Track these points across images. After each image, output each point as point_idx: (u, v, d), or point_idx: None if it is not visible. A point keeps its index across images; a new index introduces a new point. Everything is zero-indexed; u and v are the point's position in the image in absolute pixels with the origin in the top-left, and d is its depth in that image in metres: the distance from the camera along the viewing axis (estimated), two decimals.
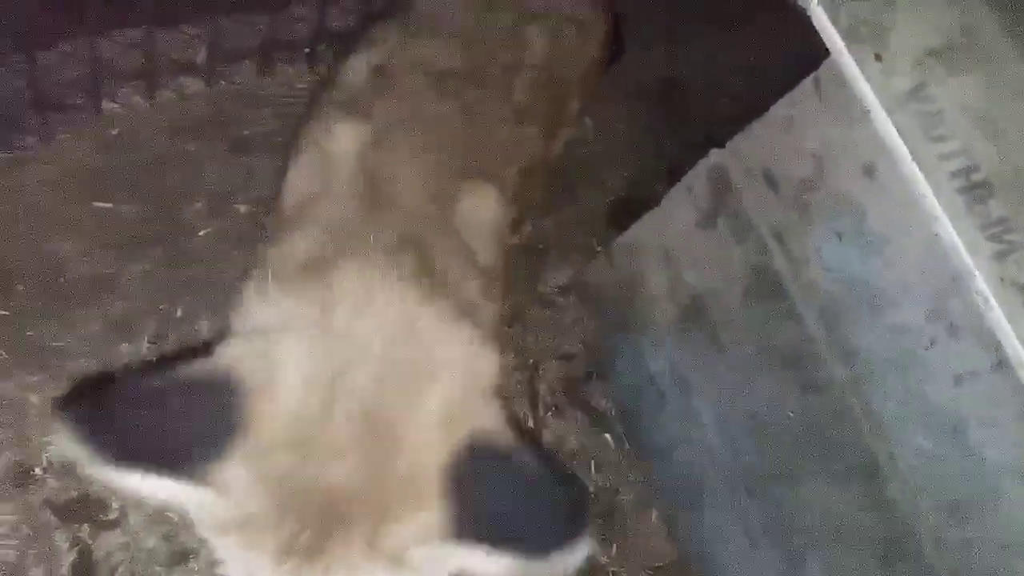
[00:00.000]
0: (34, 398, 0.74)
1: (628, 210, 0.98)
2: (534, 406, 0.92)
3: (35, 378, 0.75)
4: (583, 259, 0.97)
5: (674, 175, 0.80)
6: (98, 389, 0.48)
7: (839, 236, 0.61)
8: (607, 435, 0.94)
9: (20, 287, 0.78)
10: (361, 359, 0.52)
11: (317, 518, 0.49)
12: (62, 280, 0.79)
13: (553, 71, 0.75)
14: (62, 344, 0.76)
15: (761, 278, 0.67)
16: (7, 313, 0.76)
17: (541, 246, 0.97)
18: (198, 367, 0.51)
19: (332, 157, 0.64)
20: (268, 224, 0.69)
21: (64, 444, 0.46)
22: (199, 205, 0.86)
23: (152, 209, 0.84)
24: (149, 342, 0.78)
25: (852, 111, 0.55)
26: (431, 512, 0.49)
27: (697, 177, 0.71)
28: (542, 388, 0.94)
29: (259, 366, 0.51)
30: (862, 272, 0.60)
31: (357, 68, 0.70)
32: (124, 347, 0.77)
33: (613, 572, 0.85)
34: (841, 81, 0.56)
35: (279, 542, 0.49)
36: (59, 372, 0.75)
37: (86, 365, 0.75)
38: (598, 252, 0.95)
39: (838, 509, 0.67)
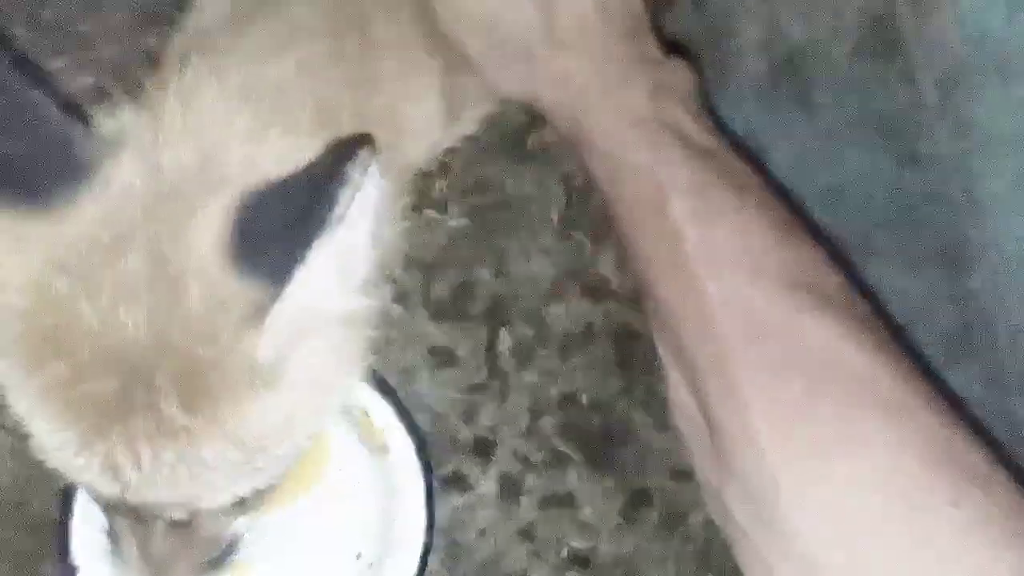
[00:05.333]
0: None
1: None
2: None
3: (58, 64, 0.69)
4: (660, 3, 0.87)
5: None
6: None
7: None
8: None
9: None
10: (163, 186, 0.42)
11: (109, 369, 0.40)
12: None
13: None
14: (87, 28, 0.69)
15: (877, 31, 0.59)
16: None
17: None
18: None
19: None
20: None
21: None
22: None
23: None
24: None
25: None
26: (240, 347, 0.40)
27: None
28: None
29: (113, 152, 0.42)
30: (1002, 31, 0.53)
31: None
32: (152, 41, 0.70)
33: None
34: None
35: (60, 390, 0.40)
36: (84, 60, 0.68)
37: (111, 54, 0.69)
38: None
39: (907, 294, 0.63)
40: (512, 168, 0.79)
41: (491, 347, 0.80)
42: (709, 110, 0.55)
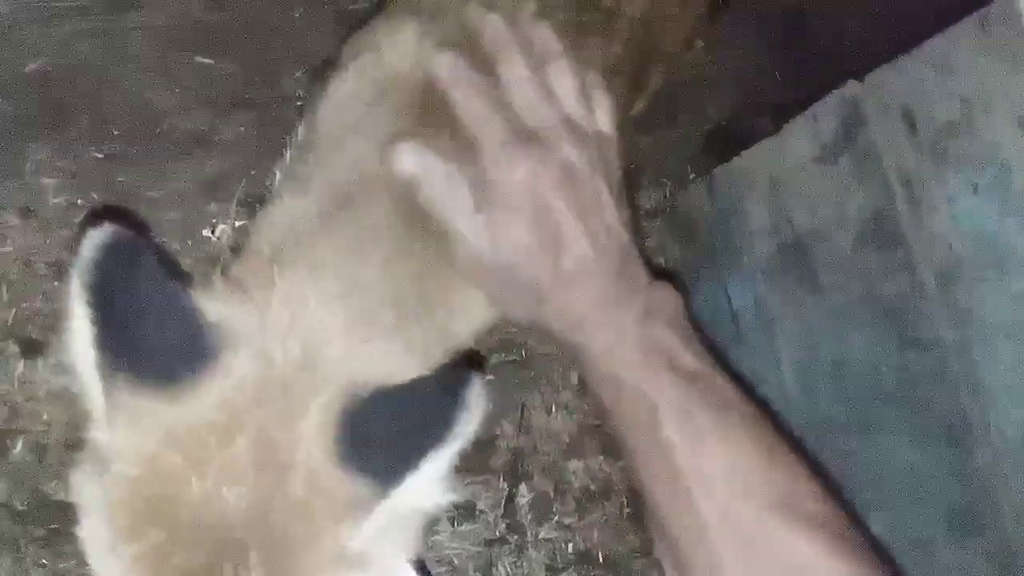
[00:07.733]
0: None
1: (726, 141, 0.95)
2: None
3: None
4: (674, 185, 0.94)
5: (780, 111, 0.77)
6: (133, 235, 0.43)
7: (975, 189, 0.57)
8: None
9: (115, 132, 0.77)
10: (273, 379, 0.46)
11: (203, 544, 0.42)
12: (158, 131, 0.78)
13: (651, 25, 0.69)
14: (154, 195, 0.76)
15: (879, 224, 0.64)
16: (101, 156, 0.76)
17: (634, 166, 0.94)
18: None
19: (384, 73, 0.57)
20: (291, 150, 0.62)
21: (84, 248, 0.42)
22: (299, 74, 0.84)
23: (252, 71, 0.82)
24: (238, 205, 0.77)
25: (1019, 55, 0.52)
26: (336, 534, 0.43)
27: (826, 108, 0.67)
28: None
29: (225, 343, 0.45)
30: (995, 231, 0.57)
31: None
32: (213, 207, 0.77)
33: None
34: (1013, 23, 0.52)
35: (153, 557, 0.42)
36: (150, 222, 0.75)
37: (175, 218, 0.75)
38: (691, 179, 0.92)
39: (914, 469, 0.66)
40: None
41: (511, 501, 0.82)
42: (695, 327, 0.58)
